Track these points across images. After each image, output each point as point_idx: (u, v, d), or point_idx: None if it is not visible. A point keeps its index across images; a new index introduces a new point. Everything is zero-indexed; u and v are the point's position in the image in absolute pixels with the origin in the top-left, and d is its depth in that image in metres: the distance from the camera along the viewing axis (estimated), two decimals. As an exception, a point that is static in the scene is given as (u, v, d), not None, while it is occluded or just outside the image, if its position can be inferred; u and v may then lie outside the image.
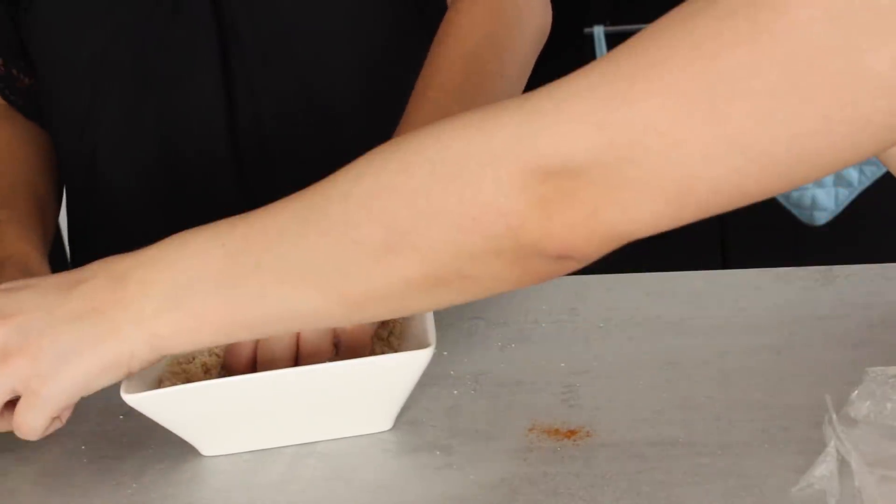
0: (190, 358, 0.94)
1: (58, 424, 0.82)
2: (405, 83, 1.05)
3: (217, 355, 0.95)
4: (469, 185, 0.68)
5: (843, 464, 0.78)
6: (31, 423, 0.80)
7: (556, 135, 0.65)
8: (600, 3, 2.26)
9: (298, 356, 0.89)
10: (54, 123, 1.19)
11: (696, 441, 0.86)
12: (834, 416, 0.81)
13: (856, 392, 0.82)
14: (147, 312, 0.76)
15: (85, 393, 0.80)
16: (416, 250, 0.70)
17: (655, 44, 0.65)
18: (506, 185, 0.67)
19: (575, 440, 0.87)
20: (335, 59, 1.14)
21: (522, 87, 1.07)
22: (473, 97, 1.01)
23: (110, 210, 1.17)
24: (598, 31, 2.20)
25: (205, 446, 0.90)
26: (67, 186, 1.22)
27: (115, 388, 0.87)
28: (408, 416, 0.92)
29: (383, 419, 0.90)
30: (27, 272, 1.00)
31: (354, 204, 0.72)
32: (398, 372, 0.87)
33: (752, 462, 0.82)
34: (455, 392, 0.95)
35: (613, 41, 2.21)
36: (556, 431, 0.88)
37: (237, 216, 0.78)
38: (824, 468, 0.78)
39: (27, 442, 0.94)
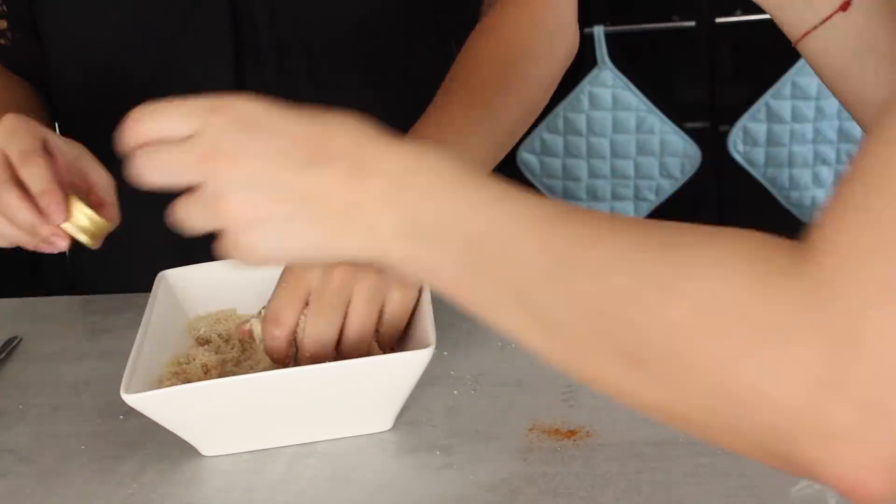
0: (190, 358, 0.94)
1: None
2: (421, 94, 1.05)
3: (217, 354, 0.96)
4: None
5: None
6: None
7: None
8: (600, 3, 2.26)
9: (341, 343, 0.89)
10: (63, 104, 1.18)
11: (696, 441, 0.85)
12: None
13: None
14: (380, 234, 0.64)
15: (280, 258, 0.70)
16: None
17: None
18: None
19: (575, 440, 0.87)
20: (352, 66, 1.13)
21: (545, 102, 1.10)
22: (512, 95, 1.03)
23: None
24: (598, 31, 2.20)
25: (205, 446, 0.90)
26: None
27: (115, 387, 0.87)
28: (408, 416, 0.92)
29: (383, 419, 0.90)
30: (77, 144, 0.96)
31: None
32: (398, 372, 0.87)
33: (752, 462, 0.82)
34: (455, 392, 0.95)
35: (613, 41, 2.21)
36: (556, 431, 0.88)
37: (560, 207, 0.62)
38: None
39: (27, 442, 0.94)
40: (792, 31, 0.89)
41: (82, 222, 0.89)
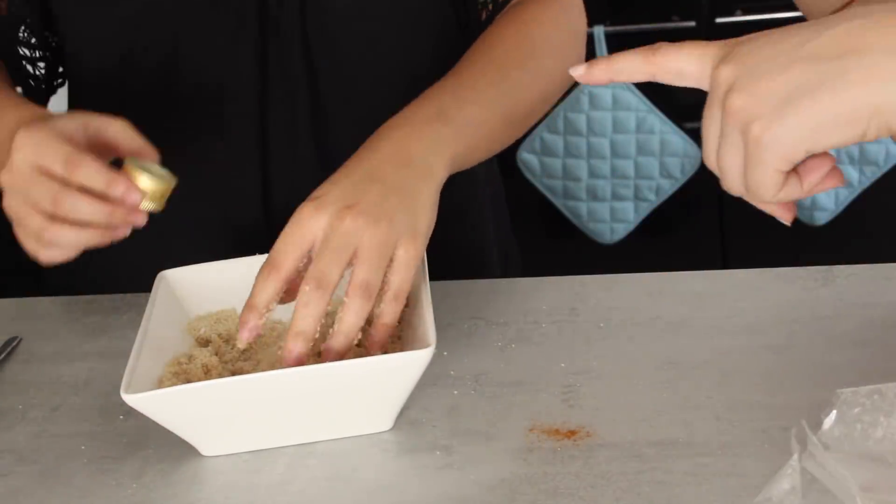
0: (190, 358, 0.94)
1: (796, 189, 0.72)
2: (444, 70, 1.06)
3: (217, 354, 0.96)
4: None
5: (806, 480, 0.78)
6: (759, 178, 0.70)
7: None
8: (600, 3, 2.26)
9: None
10: (81, 97, 1.17)
11: (696, 441, 0.86)
12: (809, 434, 0.80)
13: (828, 416, 0.81)
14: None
15: (811, 147, 0.69)
16: None
17: None
18: None
19: (575, 440, 0.87)
20: (379, 67, 1.13)
21: (557, 98, 1.11)
22: (531, 76, 1.05)
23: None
24: (598, 31, 2.20)
25: (205, 446, 0.90)
26: None
27: (115, 387, 0.87)
28: (408, 416, 0.92)
29: (383, 419, 0.91)
30: (77, 114, 0.96)
31: None
32: (398, 372, 0.87)
33: (752, 462, 0.82)
34: (455, 392, 0.95)
35: (613, 41, 2.21)
36: (556, 431, 0.88)
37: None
38: (787, 483, 0.77)
39: (27, 442, 0.94)
40: None
41: (146, 185, 0.90)
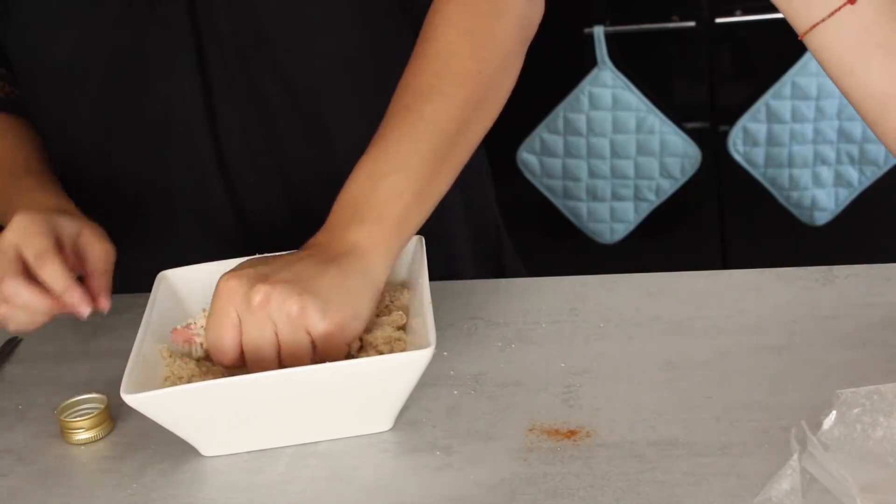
0: (189, 358, 0.94)
1: None
2: (389, 79, 1.03)
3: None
4: None
5: (806, 480, 0.78)
6: None
7: None
8: (600, 3, 2.26)
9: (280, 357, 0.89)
10: (38, 129, 1.19)
11: (696, 441, 0.86)
12: (809, 434, 0.80)
13: (828, 416, 0.81)
14: None
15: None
16: None
17: None
18: None
19: (575, 440, 0.87)
20: (316, 58, 1.12)
21: (512, 79, 1.04)
22: (447, 96, 0.99)
23: (90, 211, 1.13)
24: (598, 31, 2.20)
25: (205, 446, 0.90)
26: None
27: (115, 388, 0.87)
28: (408, 416, 0.92)
29: (383, 419, 0.90)
30: (80, 219, 1.03)
31: None
32: (398, 372, 0.87)
33: (752, 462, 0.82)
34: (455, 392, 0.95)
35: (613, 41, 2.20)
36: (556, 431, 0.88)
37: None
38: (787, 483, 0.77)
39: (27, 442, 0.94)
40: (799, 23, 0.89)
41: (83, 431, 0.95)
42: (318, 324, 0.87)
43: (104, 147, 1.15)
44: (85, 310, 0.96)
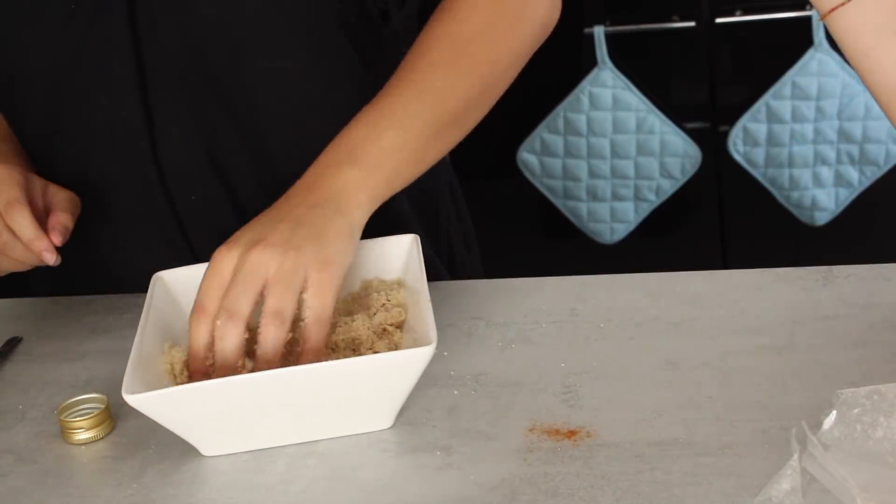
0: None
1: None
2: (327, 93, 1.07)
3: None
4: None
5: (806, 480, 0.78)
6: None
7: None
8: (600, 3, 2.26)
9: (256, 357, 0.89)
10: None
11: (696, 441, 0.86)
12: (809, 434, 0.80)
13: (828, 416, 0.81)
14: None
15: None
16: None
17: None
18: None
19: (575, 440, 0.87)
20: (253, 75, 1.11)
21: (514, 77, 1.07)
22: (461, 77, 1.03)
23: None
24: (598, 32, 2.20)
25: (205, 446, 0.90)
26: None
27: (115, 387, 0.87)
28: (408, 415, 0.92)
29: (384, 417, 0.91)
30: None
31: None
32: (398, 371, 0.87)
33: (752, 462, 0.82)
34: (455, 392, 0.95)
35: (613, 41, 2.21)
36: (556, 431, 0.88)
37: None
38: (787, 483, 0.77)
39: (27, 442, 0.94)
40: (821, 5, 0.90)
41: (84, 430, 0.95)
42: (315, 258, 0.90)
43: (50, 151, 1.15)
44: (50, 258, 1.01)
